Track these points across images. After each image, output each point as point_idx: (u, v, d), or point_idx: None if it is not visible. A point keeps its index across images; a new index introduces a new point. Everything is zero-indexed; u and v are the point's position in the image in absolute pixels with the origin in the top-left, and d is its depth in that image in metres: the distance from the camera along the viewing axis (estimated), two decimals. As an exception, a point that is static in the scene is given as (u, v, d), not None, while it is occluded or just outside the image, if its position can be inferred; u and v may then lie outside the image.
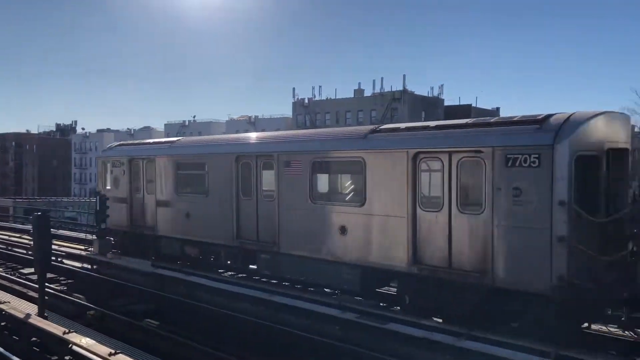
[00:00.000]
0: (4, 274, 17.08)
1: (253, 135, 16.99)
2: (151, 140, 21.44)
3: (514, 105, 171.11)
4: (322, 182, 13.62)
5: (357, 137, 12.72)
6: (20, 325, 10.76)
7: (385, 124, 16.28)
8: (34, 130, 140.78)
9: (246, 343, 11.07)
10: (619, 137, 9.72)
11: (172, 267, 16.73)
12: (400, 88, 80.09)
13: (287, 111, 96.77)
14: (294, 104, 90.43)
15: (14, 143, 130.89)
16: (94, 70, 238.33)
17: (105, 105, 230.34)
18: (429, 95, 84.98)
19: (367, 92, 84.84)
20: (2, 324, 11.28)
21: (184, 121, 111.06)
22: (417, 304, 11.56)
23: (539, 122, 9.96)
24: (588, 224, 9.39)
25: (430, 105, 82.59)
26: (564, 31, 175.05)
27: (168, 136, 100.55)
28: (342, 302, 12.39)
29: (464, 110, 79.06)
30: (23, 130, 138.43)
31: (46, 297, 11.80)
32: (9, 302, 12.01)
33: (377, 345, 10.36)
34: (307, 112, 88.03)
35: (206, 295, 14.17)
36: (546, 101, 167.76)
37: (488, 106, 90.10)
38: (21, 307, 11.66)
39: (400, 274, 11.74)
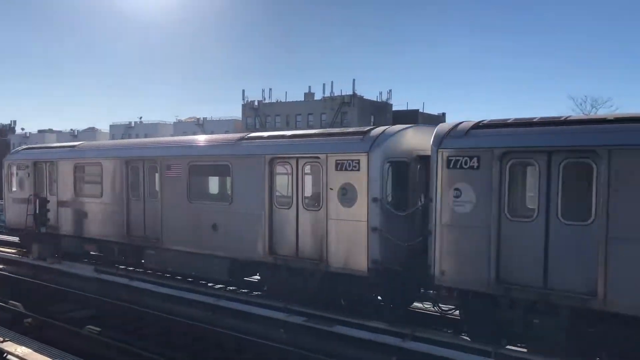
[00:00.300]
0: None
1: (143, 141, 18.33)
2: (55, 145, 22.61)
3: (461, 111, 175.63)
4: (198, 183, 15.08)
5: (227, 144, 14.30)
6: (-49, 334, 10.25)
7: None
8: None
9: (192, 349, 10.92)
10: (426, 146, 10.83)
11: (114, 271, 16.35)
12: (350, 92, 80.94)
13: (236, 113, 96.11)
14: (244, 106, 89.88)
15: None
16: (35, 69, 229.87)
17: (47, 106, 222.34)
18: (378, 100, 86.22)
19: (318, 96, 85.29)
20: None
21: (130, 122, 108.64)
22: (274, 289, 13.29)
23: (363, 134, 11.99)
24: (395, 217, 11.37)
25: (379, 110, 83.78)
26: (507, 36, 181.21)
27: (113, 137, 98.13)
28: (289, 305, 12.41)
29: (411, 115, 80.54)
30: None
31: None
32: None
33: (325, 348, 10.43)
34: (257, 114, 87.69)
35: (150, 300, 13.91)
36: (489, 106, 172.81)
37: (435, 111, 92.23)
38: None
39: (260, 264, 13.36)
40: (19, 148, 22.41)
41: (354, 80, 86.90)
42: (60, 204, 18.45)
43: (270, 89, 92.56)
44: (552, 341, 9.37)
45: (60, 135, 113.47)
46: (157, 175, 15.50)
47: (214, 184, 15.76)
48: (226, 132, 72.09)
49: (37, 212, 18.25)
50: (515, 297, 9.57)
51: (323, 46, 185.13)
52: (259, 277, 14.47)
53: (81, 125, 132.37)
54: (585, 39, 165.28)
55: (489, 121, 10.49)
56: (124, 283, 15.24)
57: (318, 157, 12.13)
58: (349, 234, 11.58)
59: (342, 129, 14.29)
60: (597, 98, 66.03)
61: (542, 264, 9.21)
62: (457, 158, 10.16)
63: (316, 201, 12.30)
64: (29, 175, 19.67)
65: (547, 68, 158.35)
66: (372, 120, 78.90)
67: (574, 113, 52.22)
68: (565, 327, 9.19)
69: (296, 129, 74.91)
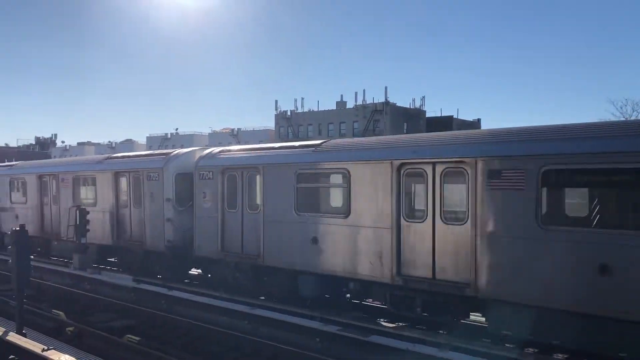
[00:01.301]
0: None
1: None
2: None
3: (497, 116, 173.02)
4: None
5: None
6: (-2, 343, 10.58)
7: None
8: (13, 144, 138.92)
9: (229, 358, 11.01)
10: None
11: (154, 281, 16.64)
12: (383, 100, 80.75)
13: (269, 123, 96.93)
14: (277, 116, 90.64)
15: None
16: (75, 84, 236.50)
17: (86, 119, 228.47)
18: (411, 107, 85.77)
19: (350, 104, 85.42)
20: (-21, 342, 11.08)
21: (167, 134, 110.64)
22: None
23: (165, 155, 18.04)
24: (180, 211, 16.88)
25: (412, 117, 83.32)
26: (547, 42, 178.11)
27: (150, 149, 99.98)
28: (324, 314, 12.41)
29: (445, 121, 79.91)
30: (2, 144, 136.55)
31: (25, 314, 11.63)
32: (-14, 320, 11.82)
33: (360, 358, 10.39)
34: (289, 124, 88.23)
35: (187, 310, 14.08)
36: (525, 111, 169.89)
37: (470, 117, 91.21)
38: (-1, 325, 11.48)
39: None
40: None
41: (386, 87, 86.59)
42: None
43: (302, 99, 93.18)
44: (245, 286, 15.03)
45: (98, 147, 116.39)
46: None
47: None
48: (260, 142, 72.76)
49: (78, 223, 18.74)
50: (229, 260, 15.20)
51: (355, 54, 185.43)
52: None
53: (119, 137, 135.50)
54: (625, 41, 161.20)
55: (224, 149, 16.52)
56: (162, 293, 15.48)
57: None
58: (155, 224, 17.38)
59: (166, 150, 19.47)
60: (639, 101, 64.10)
61: (240, 238, 14.89)
62: (203, 172, 15.81)
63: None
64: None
65: (586, 72, 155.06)
66: (405, 127, 78.52)
67: (614, 117, 51.00)
68: (249, 276, 14.94)
69: (329, 137, 75.11)
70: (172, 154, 17.81)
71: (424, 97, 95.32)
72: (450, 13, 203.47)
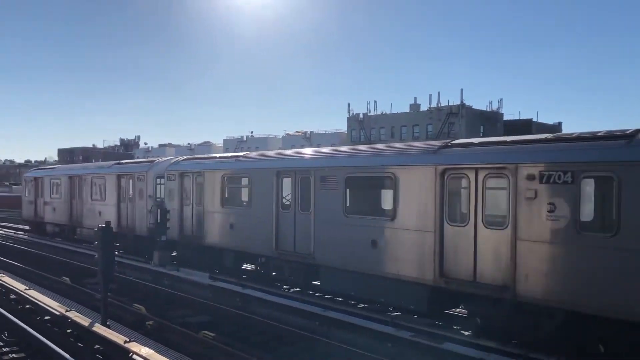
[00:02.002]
0: (71, 284, 17.83)
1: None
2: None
3: (579, 119, 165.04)
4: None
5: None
6: (85, 332, 11.16)
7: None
8: (100, 145, 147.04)
9: (301, 358, 11.08)
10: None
11: (229, 279, 17.03)
12: (458, 102, 79.04)
13: (342, 126, 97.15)
14: (349, 119, 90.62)
15: (81, 157, 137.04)
16: (157, 88, 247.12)
17: (167, 121, 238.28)
18: (488, 110, 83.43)
19: (424, 107, 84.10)
20: (69, 331, 11.74)
21: (242, 137, 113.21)
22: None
23: (149, 162, 23.32)
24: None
25: (489, 120, 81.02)
26: (633, 43, 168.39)
27: (227, 151, 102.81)
28: (395, 319, 12.26)
29: (524, 125, 77.15)
30: (90, 145, 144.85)
31: (109, 307, 12.22)
32: (74, 311, 12.51)
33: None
34: (361, 127, 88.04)
35: (261, 308, 14.31)
36: (610, 113, 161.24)
37: (550, 120, 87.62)
38: (86, 316, 12.11)
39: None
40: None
41: (461, 90, 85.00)
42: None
43: (375, 101, 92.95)
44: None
45: (178, 149, 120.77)
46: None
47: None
48: (333, 144, 73.04)
49: (159, 221, 19.50)
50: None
51: (430, 56, 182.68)
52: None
53: (197, 140, 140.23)
54: None
55: (188, 158, 22.10)
56: (237, 291, 15.81)
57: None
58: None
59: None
60: None
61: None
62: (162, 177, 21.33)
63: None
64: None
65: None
66: (482, 130, 76.47)
67: None
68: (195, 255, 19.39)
69: (401, 141, 74.28)
70: (155, 162, 23.22)
71: (501, 99, 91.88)
72: (530, 14, 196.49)
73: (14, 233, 34.17)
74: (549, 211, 9.94)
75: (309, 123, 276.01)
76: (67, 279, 18.44)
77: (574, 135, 10.61)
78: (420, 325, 11.92)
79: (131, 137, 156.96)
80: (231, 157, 19.53)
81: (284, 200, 15.93)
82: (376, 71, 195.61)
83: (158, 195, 21.88)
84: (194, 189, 19.28)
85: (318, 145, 67.85)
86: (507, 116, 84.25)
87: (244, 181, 17.54)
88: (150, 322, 12.95)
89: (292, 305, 14.01)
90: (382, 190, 13.98)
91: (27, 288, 15.34)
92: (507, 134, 65.06)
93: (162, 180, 21.29)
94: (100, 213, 25.08)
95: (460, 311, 13.06)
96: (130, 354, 9.47)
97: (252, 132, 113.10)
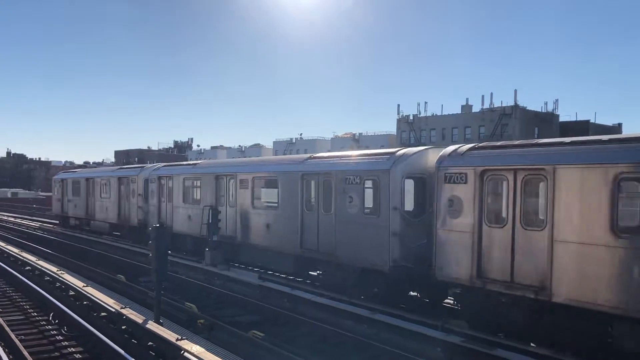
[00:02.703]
0: (125, 282, 18.40)
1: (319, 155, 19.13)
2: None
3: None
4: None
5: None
6: (139, 329, 11.48)
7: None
8: (155, 147, 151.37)
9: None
10: None
11: (277, 280, 17.18)
12: (511, 103, 77.20)
13: (391, 128, 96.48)
14: (399, 120, 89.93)
15: (136, 158, 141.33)
16: (209, 91, 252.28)
17: (219, 124, 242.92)
18: (543, 111, 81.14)
19: (476, 108, 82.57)
20: (123, 327, 12.11)
21: (291, 139, 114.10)
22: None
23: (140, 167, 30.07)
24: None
25: (544, 121, 78.81)
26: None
27: (276, 153, 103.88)
28: (445, 324, 12.06)
29: (581, 126, 74.67)
30: (145, 147, 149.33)
31: (161, 305, 12.53)
32: (129, 308, 12.89)
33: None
34: (411, 128, 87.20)
35: (309, 310, 14.36)
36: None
37: (609, 122, 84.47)
38: (140, 313, 12.46)
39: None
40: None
41: (515, 90, 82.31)
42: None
43: (425, 103, 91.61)
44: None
45: (230, 151, 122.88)
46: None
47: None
48: (382, 146, 72.64)
49: (210, 222, 19.89)
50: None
51: (482, 56, 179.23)
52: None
53: (248, 142, 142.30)
54: None
55: (167, 164, 24.69)
56: (285, 291, 15.94)
57: None
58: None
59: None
60: None
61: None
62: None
63: None
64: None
65: None
66: (536, 132, 74.48)
67: None
68: None
69: (452, 143, 73.17)
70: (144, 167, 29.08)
71: (557, 100, 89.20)
72: (588, 12, 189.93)
73: (71, 232, 35.54)
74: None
75: (359, 125, 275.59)
76: (122, 277, 19.02)
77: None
78: (470, 330, 11.70)
79: (185, 139, 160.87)
80: (190, 164, 25.83)
81: (222, 198, 20.95)
82: (427, 72, 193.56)
83: (143, 194, 27.10)
84: (166, 189, 24.75)
85: (367, 147, 67.53)
86: (563, 117, 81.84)
87: (197, 183, 22.82)
88: (202, 321, 13.19)
89: (340, 307, 14.00)
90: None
91: (85, 285, 15.92)
92: (562, 135, 63.13)
93: (148, 182, 26.53)
94: (106, 209, 31.31)
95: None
96: (182, 351, 9.67)
97: (301, 134, 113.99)
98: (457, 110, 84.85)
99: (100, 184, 32.49)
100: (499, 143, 12.77)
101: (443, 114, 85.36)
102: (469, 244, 11.69)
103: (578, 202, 9.95)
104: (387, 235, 13.74)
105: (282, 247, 17.55)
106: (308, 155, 18.63)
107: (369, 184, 14.69)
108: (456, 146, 13.08)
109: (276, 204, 17.96)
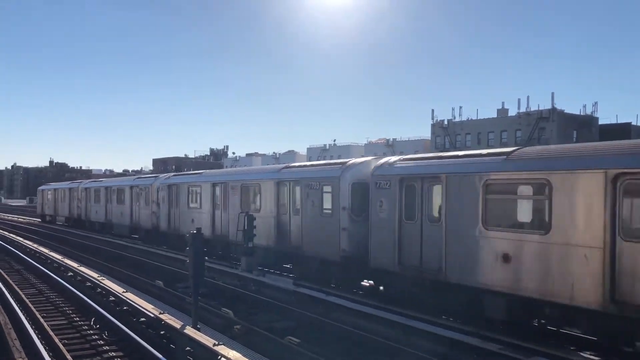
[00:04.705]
0: (164, 287, 18.76)
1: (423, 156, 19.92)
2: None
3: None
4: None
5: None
6: (177, 334, 11.71)
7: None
8: (191, 155, 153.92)
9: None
10: None
11: (312, 286, 17.26)
12: (549, 106, 75.80)
13: (425, 133, 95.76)
14: (433, 125, 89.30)
15: (174, 166, 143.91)
16: (243, 99, 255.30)
17: (253, 132, 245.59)
18: (581, 114, 79.40)
19: (512, 112, 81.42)
20: (162, 332, 12.37)
21: (325, 145, 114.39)
22: None
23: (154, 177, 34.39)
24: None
25: (583, 125, 77.09)
26: None
27: (310, 159, 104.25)
28: (482, 331, 11.94)
29: (622, 129, 72.74)
30: (182, 155, 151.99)
31: (199, 310, 12.74)
32: (167, 313, 13.15)
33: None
34: (446, 133, 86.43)
35: (344, 316, 14.37)
36: None
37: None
38: (177, 318, 12.70)
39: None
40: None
41: (552, 93, 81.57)
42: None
43: (460, 107, 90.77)
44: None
45: (264, 158, 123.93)
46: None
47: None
48: (416, 152, 72.19)
49: (246, 228, 20.10)
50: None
51: (517, 59, 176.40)
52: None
53: (282, 149, 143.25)
54: None
55: (174, 174, 28.53)
56: (320, 298, 15.99)
57: None
58: None
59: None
60: None
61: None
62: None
63: None
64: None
65: None
66: (575, 136, 72.90)
67: None
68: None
69: (488, 147, 72.17)
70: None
71: (596, 102, 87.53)
72: (630, 11, 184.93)
73: (124, 241, 36.40)
74: None
75: (392, 130, 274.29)
76: (161, 282, 19.39)
77: None
78: (508, 337, 11.54)
79: (220, 147, 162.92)
80: (195, 173, 29.58)
81: (217, 201, 24.68)
82: (461, 76, 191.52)
83: (156, 201, 30.68)
84: (174, 196, 28.64)
85: (401, 153, 67.10)
86: (603, 120, 79.94)
87: (197, 190, 26.66)
88: (238, 326, 13.34)
89: (374, 313, 13.99)
90: None
91: (125, 291, 16.30)
92: (602, 139, 61.58)
93: (159, 191, 30.52)
94: (121, 214, 36.33)
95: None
96: (219, 357, 9.82)
97: (334, 141, 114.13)
98: (493, 114, 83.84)
99: (117, 192, 37.93)
100: (416, 156, 16.79)
101: (478, 118, 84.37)
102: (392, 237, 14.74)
103: (459, 202, 12.96)
104: (338, 230, 16.69)
105: (260, 243, 20.41)
106: (284, 165, 22.52)
107: (327, 188, 17.51)
108: (387, 158, 16.47)
109: (259, 208, 21.14)
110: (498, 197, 12.37)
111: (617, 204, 10.02)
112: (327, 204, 17.51)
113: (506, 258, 11.79)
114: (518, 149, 13.04)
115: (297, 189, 18.96)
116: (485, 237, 12.31)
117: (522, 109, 78.90)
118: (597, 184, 10.26)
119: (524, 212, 12.12)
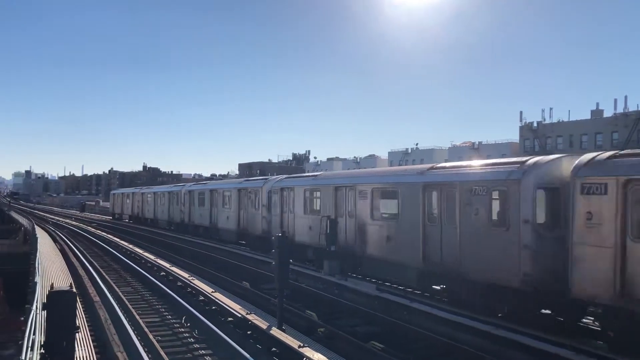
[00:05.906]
0: (250, 289, 19.28)
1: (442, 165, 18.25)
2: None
3: None
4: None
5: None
6: (263, 335, 12.00)
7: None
8: (275, 160, 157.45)
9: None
10: None
11: (396, 292, 17.11)
12: (649, 106, 70.96)
13: (512, 136, 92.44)
14: (521, 128, 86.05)
15: (258, 170, 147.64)
16: (324, 104, 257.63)
17: (334, 136, 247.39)
18: (688, 113, 73.63)
19: (607, 113, 76.93)
20: (249, 332, 12.72)
21: (407, 149, 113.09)
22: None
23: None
24: None
25: (688, 125, 71.43)
26: None
27: (391, 164, 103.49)
28: (574, 343, 11.34)
29: None
30: (265, 160, 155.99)
31: (284, 312, 12.99)
32: (254, 314, 13.51)
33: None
34: (535, 136, 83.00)
35: (428, 323, 14.14)
36: None
37: None
38: (263, 319, 13.02)
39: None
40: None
41: (653, 92, 75.96)
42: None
43: (550, 109, 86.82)
44: None
45: (345, 162, 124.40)
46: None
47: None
48: (503, 155, 69.80)
49: (328, 232, 20.29)
50: None
51: (614, 56, 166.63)
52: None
53: (363, 153, 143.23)
54: None
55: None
56: (403, 303, 15.83)
57: None
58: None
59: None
60: None
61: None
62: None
63: None
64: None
65: None
66: (679, 137, 67.76)
67: None
68: None
69: (581, 150, 68.51)
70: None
71: None
72: None
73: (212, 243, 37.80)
74: None
75: (477, 133, 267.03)
76: (247, 283, 19.93)
77: None
78: (600, 350, 10.92)
79: (302, 151, 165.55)
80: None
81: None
82: (552, 76, 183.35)
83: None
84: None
85: (488, 156, 65.20)
86: None
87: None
88: (322, 329, 13.47)
89: (460, 321, 13.65)
90: None
91: (213, 291, 16.91)
92: None
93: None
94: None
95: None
96: (304, 358, 9.97)
97: (417, 144, 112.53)
98: (586, 115, 79.63)
99: (177, 196, 40.86)
100: None
101: (570, 119, 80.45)
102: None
103: None
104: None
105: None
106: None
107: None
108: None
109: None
110: None
111: None
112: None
113: None
114: None
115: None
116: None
117: (619, 110, 74.49)
118: None
119: None
